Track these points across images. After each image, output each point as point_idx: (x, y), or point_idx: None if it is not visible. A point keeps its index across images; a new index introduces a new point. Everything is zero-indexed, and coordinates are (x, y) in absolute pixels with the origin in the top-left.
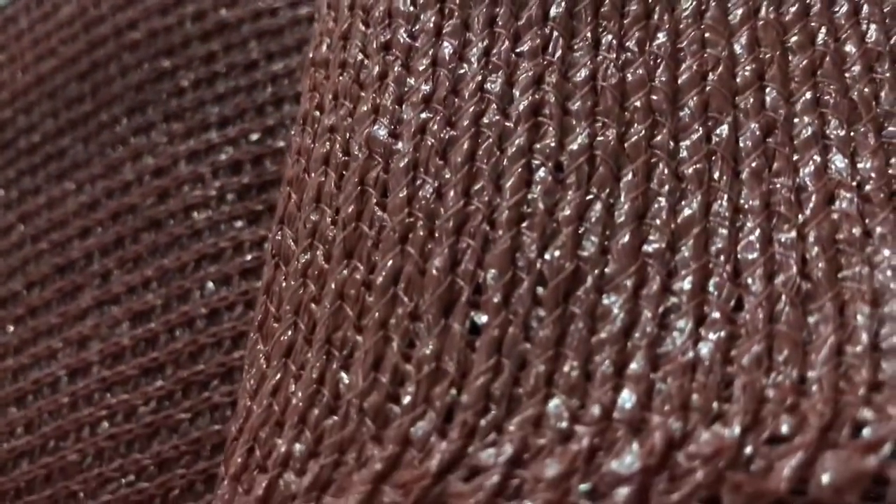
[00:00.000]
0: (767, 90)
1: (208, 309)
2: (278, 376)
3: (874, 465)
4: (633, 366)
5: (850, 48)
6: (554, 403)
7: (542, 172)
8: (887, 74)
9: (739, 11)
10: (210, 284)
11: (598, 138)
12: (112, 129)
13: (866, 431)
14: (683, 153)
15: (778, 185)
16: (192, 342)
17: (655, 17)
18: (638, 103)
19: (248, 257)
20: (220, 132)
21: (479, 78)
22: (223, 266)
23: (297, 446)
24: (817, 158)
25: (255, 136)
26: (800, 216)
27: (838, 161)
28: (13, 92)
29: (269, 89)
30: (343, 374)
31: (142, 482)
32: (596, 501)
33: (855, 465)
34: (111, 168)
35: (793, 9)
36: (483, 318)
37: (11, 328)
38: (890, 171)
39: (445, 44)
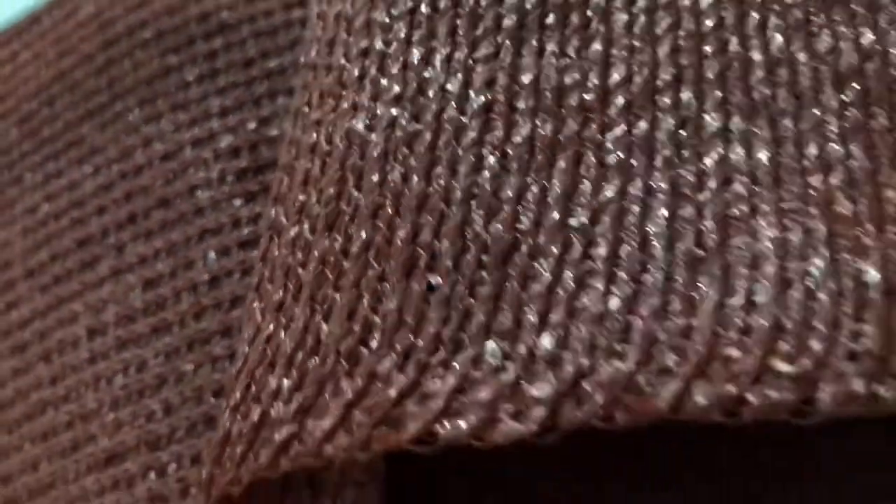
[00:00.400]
0: (683, 91)
1: (210, 276)
2: (271, 327)
3: (735, 390)
4: (554, 316)
5: (754, 55)
6: (490, 346)
7: (490, 160)
8: (784, 78)
9: (664, 23)
10: (212, 255)
11: (538, 132)
12: (125, 118)
13: (732, 365)
14: (609, 144)
15: (684, 172)
16: (195, 304)
17: (592, 27)
18: (573, 102)
19: (245, 231)
20: (221, 121)
21: (442, 80)
22: (223, 239)
23: (286, 381)
24: (720, 149)
25: (251, 125)
26: (699, 196)
27: (737, 151)
28: (38, 85)
29: (265, 84)
30: (323, 325)
31: (151, 424)
32: (517, 419)
33: (720, 391)
34: (125, 153)
35: (709, 21)
36: (437, 279)
37: (38, 295)
38: (778, 160)
39: (414, 51)
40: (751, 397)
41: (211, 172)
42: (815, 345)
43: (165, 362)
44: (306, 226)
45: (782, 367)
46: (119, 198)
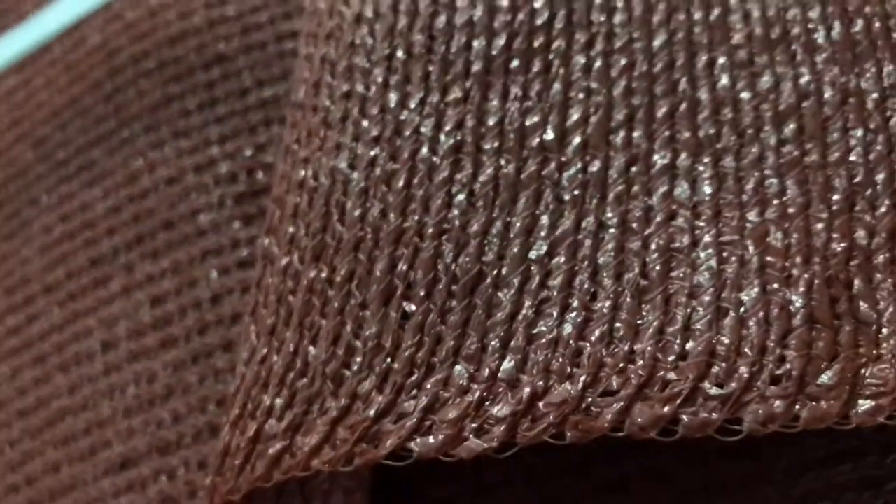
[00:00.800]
0: (635, 130)
1: (212, 293)
2: (265, 350)
3: (670, 411)
4: (514, 342)
5: (702, 95)
6: (458, 369)
7: (459, 197)
8: (728, 116)
9: (619, 65)
10: (213, 273)
11: (502, 171)
12: (132, 144)
13: (669, 388)
14: (565, 182)
15: (632, 207)
16: (199, 320)
17: (553, 71)
18: (534, 143)
19: (244, 252)
20: (220, 148)
21: (416, 122)
22: (223, 259)
23: (278, 401)
24: (666, 185)
25: (248, 152)
26: (646, 229)
27: (682, 187)
28: (51, 110)
29: (260, 113)
30: (311, 349)
31: (161, 431)
32: (480, 436)
33: (657, 412)
34: (132, 178)
35: (661, 63)
36: (412, 307)
37: (56, 310)
38: (719, 195)
39: (391, 94)
40: (683, 417)
41: (211, 197)
42: (743, 369)
43: (173, 374)
44: (296, 256)
45: (713, 390)
46: (128, 220)
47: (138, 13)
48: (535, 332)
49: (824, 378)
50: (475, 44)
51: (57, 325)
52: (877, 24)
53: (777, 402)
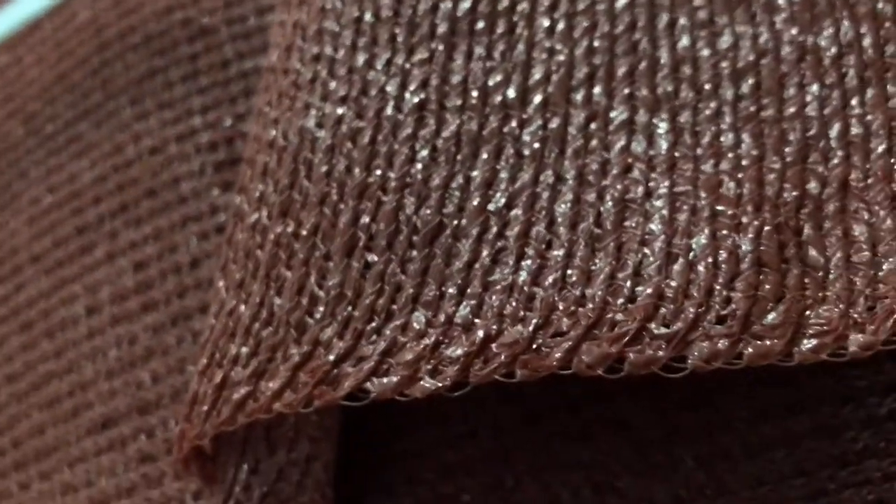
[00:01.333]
0: (595, 87)
1: (191, 258)
2: (233, 302)
3: (617, 349)
4: (470, 289)
5: (662, 54)
6: (416, 315)
7: (422, 153)
8: (687, 74)
9: (582, 26)
10: (193, 239)
11: (465, 127)
12: (118, 116)
13: (617, 328)
14: (526, 138)
15: (590, 161)
16: (179, 284)
17: (517, 32)
18: (496, 100)
19: (222, 218)
20: (202, 118)
21: (382, 82)
22: (203, 225)
23: (243, 349)
24: (623, 140)
25: (228, 122)
26: (602, 182)
27: (639, 141)
28: (41, 86)
29: (241, 83)
30: (276, 299)
31: (141, 392)
32: (434, 377)
33: (604, 350)
34: (117, 148)
35: (622, 24)
36: (373, 258)
37: (43, 278)
38: (674, 149)
39: (359, 56)
40: (630, 356)
41: (192, 165)
42: (690, 310)
43: (153, 336)
44: (264, 212)
45: (659, 330)
46: (112, 189)
47: None
48: (490, 279)
49: (769, 318)
50: (441, 6)
51: (44, 293)
52: None
53: (722, 341)
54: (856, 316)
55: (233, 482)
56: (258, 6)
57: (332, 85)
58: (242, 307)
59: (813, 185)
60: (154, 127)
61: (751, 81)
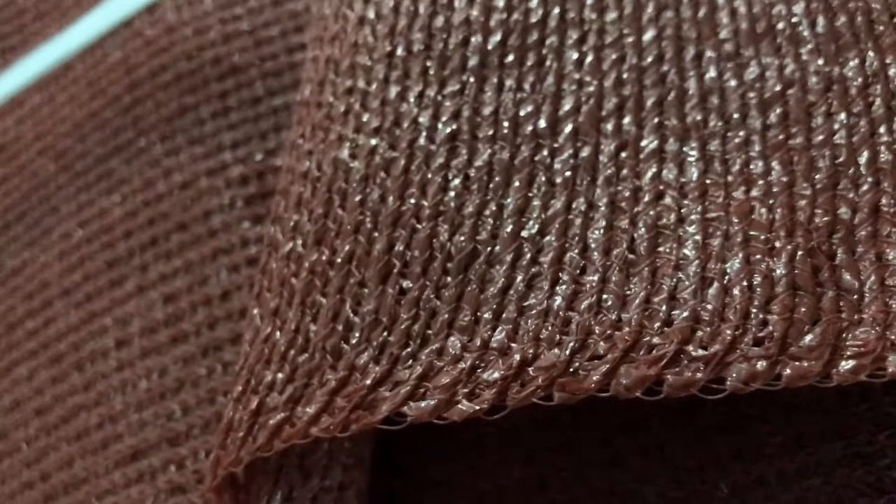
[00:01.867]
0: (624, 118)
1: (222, 290)
2: (268, 329)
3: (655, 372)
4: (505, 314)
5: (690, 85)
6: (452, 340)
7: (455, 182)
8: (715, 104)
9: (610, 59)
10: (223, 271)
11: (496, 157)
12: (149, 152)
13: (654, 351)
14: (557, 166)
15: (621, 188)
16: (209, 315)
17: (546, 65)
18: (527, 130)
19: (253, 250)
20: (232, 153)
21: (414, 113)
22: (233, 257)
23: (279, 375)
24: (654, 168)
25: (259, 156)
26: (635, 208)
27: (670, 169)
28: (73, 124)
29: (271, 119)
30: (312, 326)
31: (171, 423)
32: (471, 400)
33: (642, 372)
34: (148, 183)
35: (650, 56)
36: (408, 284)
37: (73, 311)
38: (705, 176)
39: (391, 88)
40: (668, 377)
41: (223, 199)
42: (727, 332)
43: (183, 367)
44: (299, 241)
45: (697, 352)
46: (143, 223)
47: (157, 30)
48: (525, 304)
49: (806, 340)
50: (472, 41)
51: (73, 326)
52: (859, 18)
53: (760, 362)
54: (893, 338)
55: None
56: (288, 45)
57: (366, 117)
58: (278, 334)
59: (844, 211)
60: (185, 162)
61: (778, 111)
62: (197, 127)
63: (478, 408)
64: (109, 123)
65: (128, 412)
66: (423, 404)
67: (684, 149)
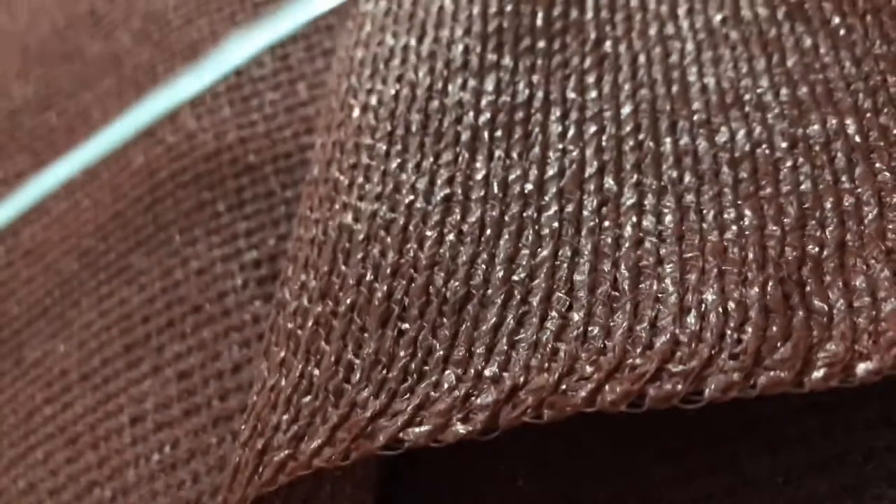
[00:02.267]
0: (605, 179)
1: (233, 364)
2: (274, 378)
3: (637, 387)
4: (497, 348)
5: (665, 149)
6: (447, 373)
7: (450, 237)
8: (689, 164)
9: (591, 130)
10: (235, 347)
11: (488, 214)
12: (168, 245)
13: (637, 370)
14: (543, 220)
15: (604, 236)
16: (221, 388)
17: (531, 137)
18: (516, 191)
19: (263, 326)
20: (247, 241)
21: (412, 180)
22: (245, 333)
23: (284, 417)
24: (634, 219)
25: (271, 242)
26: (617, 253)
27: (648, 219)
28: (96, 225)
29: (283, 208)
30: (315, 370)
31: (182, 492)
32: (466, 423)
33: (626, 388)
34: (166, 272)
35: (628, 126)
36: (406, 326)
37: (90, 394)
38: (682, 224)
39: (392, 162)
40: (650, 391)
41: (236, 281)
42: (704, 350)
43: (194, 438)
44: (305, 298)
45: (676, 368)
46: (161, 308)
47: (178, 137)
48: (516, 338)
49: (779, 353)
50: (464, 119)
51: (90, 408)
52: (819, 88)
53: (735, 374)
54: (861, 349)
55: None
56: (300, 144)
57: (368, 187)
58: (283, 381)
59: (812, 247)
60: (202, 251)
61: (748, 166)
62: (214, 219)
63: (472, 429)
64: (131, 222)
65: (140, 484)
66: (419, 430)
67: (661, 202)
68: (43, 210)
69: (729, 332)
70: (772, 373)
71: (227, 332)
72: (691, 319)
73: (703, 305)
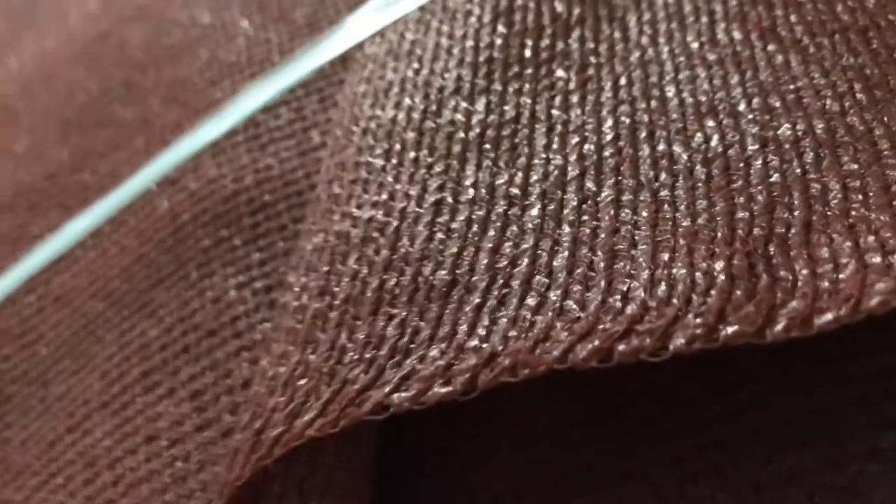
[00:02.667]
0: (586, 181)
1: (243, 380)
2: (274, 370)
3: (607, 345)
4: (479, 325)
5: (642, 154)
6: (432, 349)
7: (439, 235)
8: (665, 164)
9: (574, 140)
10: (245, 364)
11: (475, 214)
12: (187, 279)
13: (608, 332)
14: (526, 218)
15: (583, 228)
16: (231, 403)
17: (518, 149)
18: (500, 193)
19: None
20: (259, 269)
21: (406, 189)
22: (254, 352)
23: (281, 399)
24: (611, 212)
25: (281, 269)
26: (594, 241)
27: (625, 212)
28: (121, 268)
29: (294, 240)
30: (311, 357)
31: (192, 501)
32: (447, 386)
33: (595, 346)
34: (184, 303)
35: (608, 136)
36: (395, 311)
37: (109, 419)
38: (657, 215)
39: (387, 175)
40: (620, 347)
41: (248, 305)
42: (670, 312)
43: (204, 451)
44: (304, 296)
45: (643, 327)
46: (177, 336)
47: (200, 183)
48: (497, 315)
49: (742, 312)
50: (455, 136)
51: (108, 432)
52: (789, 97)
53: (700, 329)
54: (821, 305)
55: None
56: (311, 183)
57: (365, 197)
58: (281, 370)
59: (779, 228)
60: (217, 282)
61: (720, 164)
62: (230, 252)
63: (451, 389)
64: (154, 262)
65: (152, 497)
66: (403, 394)
67: (638, 197)
68: (73, 259)
69: (695, 297)
70: (735, 327)
71: (239, 352)
72: (661, 289)
73: (673, 277)
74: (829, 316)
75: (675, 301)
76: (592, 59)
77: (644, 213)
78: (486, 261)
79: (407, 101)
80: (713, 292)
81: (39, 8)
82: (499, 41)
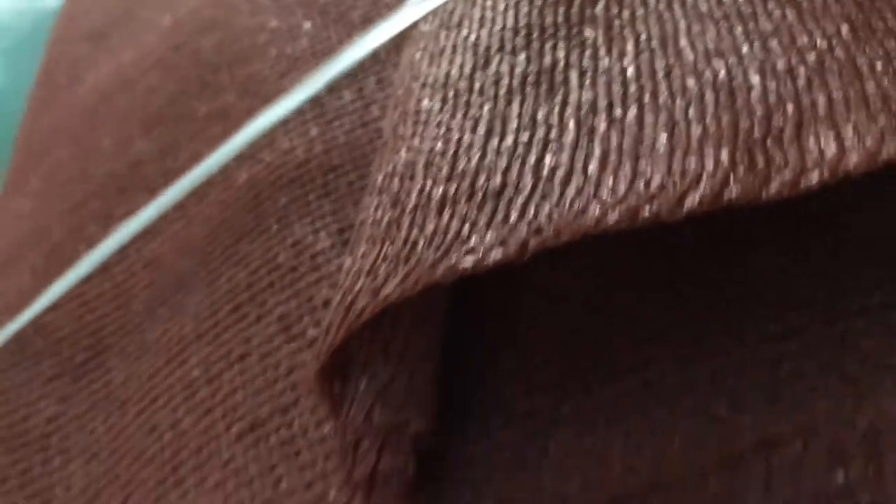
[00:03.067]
0: (615, 110)
1: (323, 301)
2: (357, 265)
3: (633, 208)
4: (528, 213)
5: (661, 94)
6: (488, 233)
7: (490, 154)
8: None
9: (602, 79)
10: (325, 289)
11: (520, 137)
12: (268, 232)
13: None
14: (564, 138)
15: (613, 142)
16: (312, 320)
17: (555, 87)
18: (541, 119)
19: None
20: (333, 217)
21: (460, 124)
22: (333, 279)
23: (367, 279)
24: (635, 130)
25: (351, 215)
26: (622, 149)
27: (648, 129)
28: (208, 233)
29: (361, 193)
30: (389, 248)
31: (282, 398)
32: (503, 250)
33: (623, 208)
34: (267, 250)
35: (630, 72)
36: (457, 209)
37: (204, 347)
38: (673, 129)
39: (444, 114)
40: (643, 212)
41: (325, 244)
42: (685, 182)
43: (292, 359)
44: (379, 212)
45: (663, 195)
46: (263, 275)
47: (274, 154)
48: (541, 203)
49: (744, 179)
50: (501, 82)
51: (203, 357)
52: (786, 39)
53: (709, 191)
54: (808, 170)
55: (356, 386)
56: (374, 147)
57: (425, 133)
58: (363, 261)
59: (775, 130)
60: (296, 230)
61: (726, 89)
62: (305, 206)
63: (506, 253)
64: (237, 222)
65: (246, 401)
66: (469, 257)
67: (658, 118)
68: (160, 231)
69: (705, 174)
70: (738, 188)
71: (319, 281)
72: (677, 173)
73: (687, 163)
74: (814, 176)
75: (688, 179)
76: (616, 22)
77: (663, 132)
78: (531, 171)
79: (458, 58)
80: (719, 171)
81: (117, 31)
82: (535, 11)
